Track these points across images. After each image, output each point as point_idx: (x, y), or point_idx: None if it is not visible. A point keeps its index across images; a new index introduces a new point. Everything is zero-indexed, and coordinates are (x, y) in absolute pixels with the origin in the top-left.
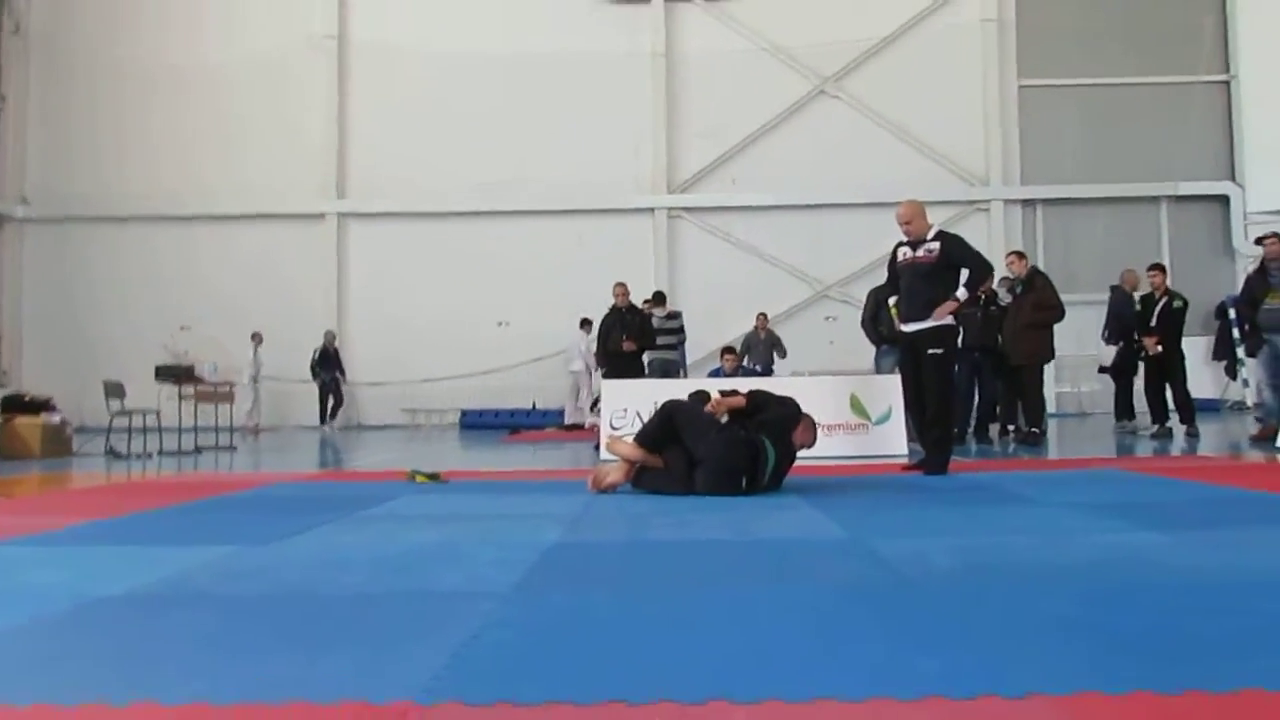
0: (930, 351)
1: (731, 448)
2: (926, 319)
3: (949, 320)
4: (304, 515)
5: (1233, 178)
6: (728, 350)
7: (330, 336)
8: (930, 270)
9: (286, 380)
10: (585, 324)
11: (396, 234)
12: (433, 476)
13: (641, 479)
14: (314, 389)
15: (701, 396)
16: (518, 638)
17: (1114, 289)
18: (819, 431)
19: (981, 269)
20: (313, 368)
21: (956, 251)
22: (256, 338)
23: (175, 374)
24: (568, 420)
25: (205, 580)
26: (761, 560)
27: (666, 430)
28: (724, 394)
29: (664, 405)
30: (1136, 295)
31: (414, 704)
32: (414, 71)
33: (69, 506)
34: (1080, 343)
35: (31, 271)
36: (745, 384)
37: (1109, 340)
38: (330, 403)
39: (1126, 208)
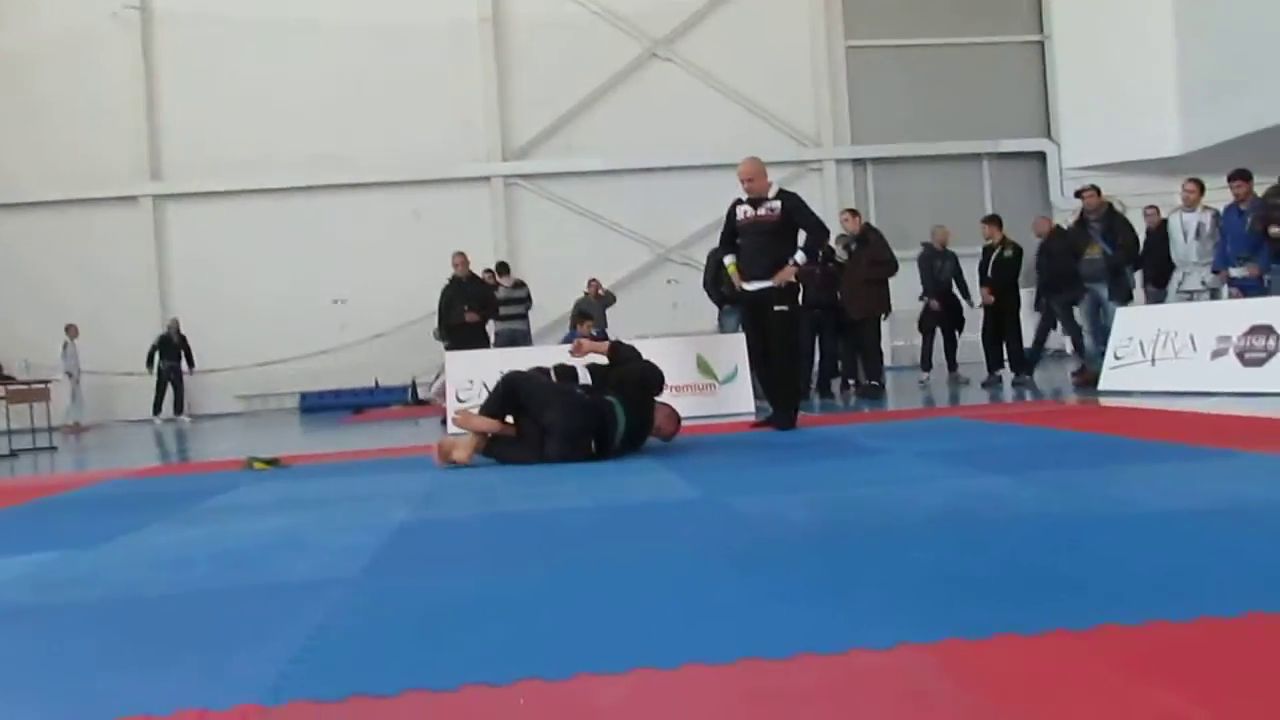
0: (776, 309)
1: (574, 412)
2: (770, 278)
3: (792, 276)
4: (134, 513)
5: (1049, 135)
6: (585, 316)
7: (174, 324)
8: (773, 229)
9: (109, 374)
10: (70, 330)
11: (220, 213)
12: (271, 462)
13: (493, 449)
14: (142, 381)
15: (565, 369)
16: (368, 625)
17: (924, 245)
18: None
19: (818, 232)
20: (149, 356)
21: (800, 213)
22: (70, 330)
23: None
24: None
25: (23, 592)
26: (618, 527)
27: (509, 401)
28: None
29: (505, 376)
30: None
31: (258, 706)
32: (227, 42)
33: None
34: (912, 297)
35: None
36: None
37: (921, 296)
38: (170, 394)
39: (952, 165)
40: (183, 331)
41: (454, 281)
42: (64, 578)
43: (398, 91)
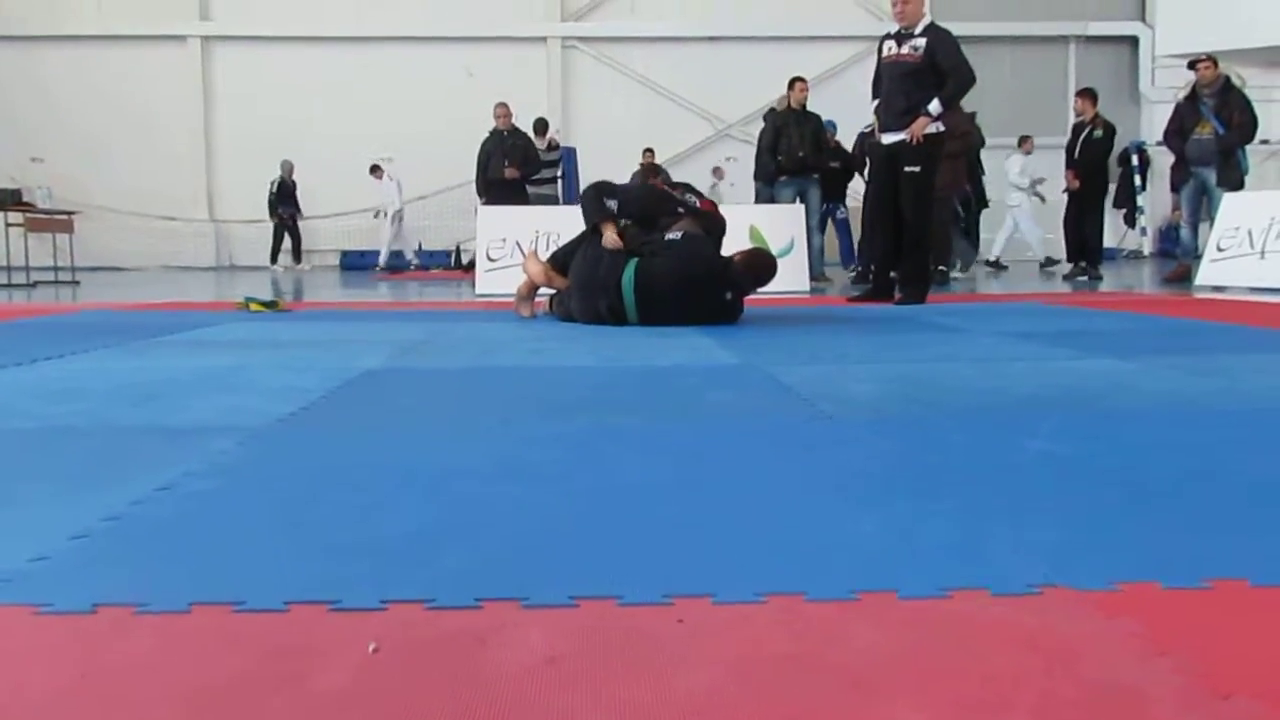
0: (906, 170)
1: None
2: (904, 130)
3: (933, 129)
4: (79, 341)
5: (1143, 18)
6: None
7: (288, 167)
8: (913, 70)
9: (151, 217)
10: (375, 170)
11: (267, 60)
12: (270, 305)
13: (553, 304)
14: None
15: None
16: (223, 492)
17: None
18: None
19: (961, 78)
20: (270, 203)
21: (943, 51)
22: (377, 171)
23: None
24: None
25: None
26: (622, 390)
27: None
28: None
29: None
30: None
31: None
32: None
33: None
34: (991, 185)
35: None
36: None
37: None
38: (287, 241)
39: (1034, 48)
40: (295, 177)
41: (494, 134)
42: None
43: None
